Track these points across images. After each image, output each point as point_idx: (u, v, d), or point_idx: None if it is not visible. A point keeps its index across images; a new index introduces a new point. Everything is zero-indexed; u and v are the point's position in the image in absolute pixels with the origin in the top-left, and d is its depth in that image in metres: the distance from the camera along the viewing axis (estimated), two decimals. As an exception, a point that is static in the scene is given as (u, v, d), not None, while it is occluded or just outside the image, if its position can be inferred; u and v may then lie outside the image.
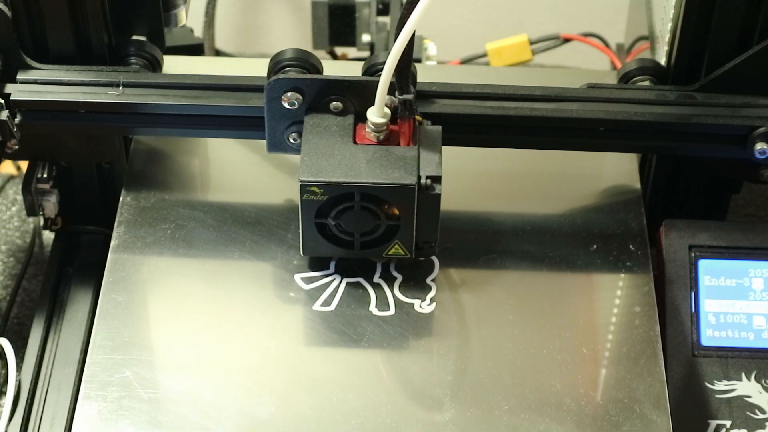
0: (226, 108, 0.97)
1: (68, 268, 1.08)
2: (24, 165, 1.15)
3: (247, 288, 0.95)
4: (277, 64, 0.97)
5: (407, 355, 0.92)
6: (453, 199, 0.99)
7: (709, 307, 0.99)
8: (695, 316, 0.99)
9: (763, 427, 0.95)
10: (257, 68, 0.99)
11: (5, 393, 1.00)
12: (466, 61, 1.29)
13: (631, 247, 0.99)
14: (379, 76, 0.90)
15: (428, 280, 0.97)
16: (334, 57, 1.36)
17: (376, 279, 0.96)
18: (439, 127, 0.94)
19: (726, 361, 0.97)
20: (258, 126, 0.96)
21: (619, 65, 1.17)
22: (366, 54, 1.28)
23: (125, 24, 1.02)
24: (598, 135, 0.98)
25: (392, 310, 0.95)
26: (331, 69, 0.99)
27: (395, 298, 0.95)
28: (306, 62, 0.97)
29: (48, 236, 1.21)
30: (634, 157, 1.06)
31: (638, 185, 1.04)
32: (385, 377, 0.91)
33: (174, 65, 1.05)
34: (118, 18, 1.01)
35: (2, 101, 0.96)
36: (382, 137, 0.93)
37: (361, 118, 0.94)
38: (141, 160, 1.05)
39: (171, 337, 0.93)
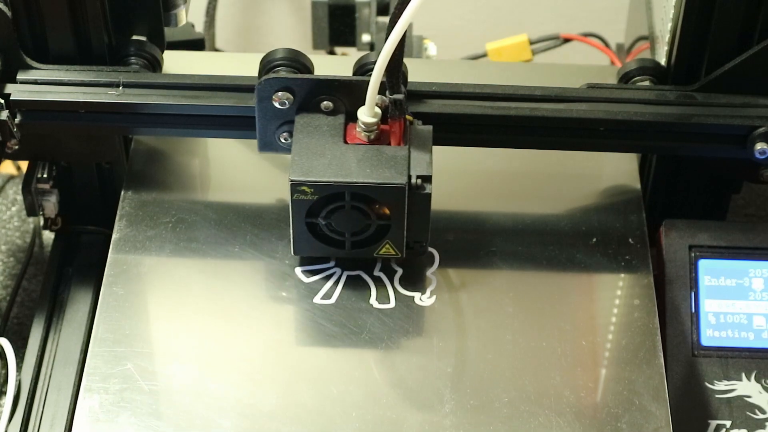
0: (225, 108, 0.97)
1: (68, 268, 1.08)
2: (24, 165, 1.15)
3: (248, 280, 0.96)
4: (268, 64, 0.97)
5: (407, 348, 0.92)
6: (453, 198, 0.99)
7: (709, 307, 0.99)
8: (695, 316, 0.98)
9: (763, 427, 0.95)
10: (257, 64, 0.99)
11: (5, 393, 1.00)
12: (466, 61, 1.29)
13: (630, 241, 0.99)
14: (370, 75, 0.90)
15: (428, 274, 0.97)
16: (334, 57, 1.36)
17: (377, 272, 0.97)
18: (429, 127, 0.94)
19: (726, 361, 0.97)
20: (258, 126, 0.97)
21: (619, 65, 1.16)
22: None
23: (125, 24, 1.02)
24: (598, 135, 0.98)
25: (392, 303, 0.95)
26: (328, 63, 0.99)
27: (396, 291, 0.95)
28: (297, 62, 0.96)
29: (48, 236, 1.21)
30: (634, 157, 1.06)
31: (638, 185, 1.04)
32: (386, 370, 0.91)
33: (174, 60, 1.05)
34: (118, 18, 1.01)
35: (2, 101, 0.96)
36: (372, 137, 0.93)
37: (352, 117, 0.93)
38: (141, 160, 1.05)
39: (172, 330, 0.93)
